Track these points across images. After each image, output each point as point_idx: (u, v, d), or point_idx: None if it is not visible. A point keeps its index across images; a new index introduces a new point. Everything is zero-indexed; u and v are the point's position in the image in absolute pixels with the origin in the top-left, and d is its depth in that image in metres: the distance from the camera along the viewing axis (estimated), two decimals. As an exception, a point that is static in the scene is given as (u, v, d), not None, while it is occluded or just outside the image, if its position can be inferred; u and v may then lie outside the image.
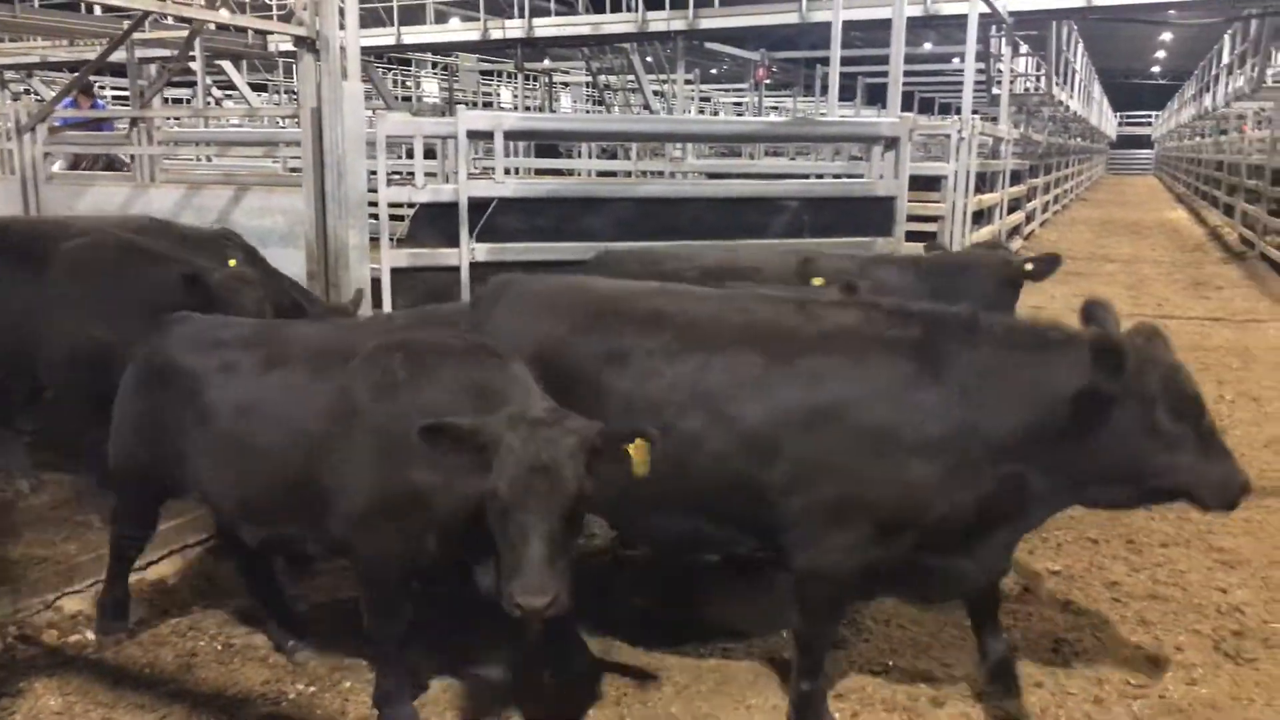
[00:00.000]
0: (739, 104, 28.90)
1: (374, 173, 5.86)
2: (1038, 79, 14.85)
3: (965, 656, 3.43)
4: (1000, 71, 12.54)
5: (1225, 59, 19.03)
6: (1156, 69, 57.93)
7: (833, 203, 6.87)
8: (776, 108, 27.33)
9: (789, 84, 27.03)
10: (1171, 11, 14.88)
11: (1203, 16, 12.78)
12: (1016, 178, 15.01)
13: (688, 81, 17.56)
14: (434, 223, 6.55)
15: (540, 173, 14.76)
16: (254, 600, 3.60)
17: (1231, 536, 4.58)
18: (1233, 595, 4.00)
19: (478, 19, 15.61)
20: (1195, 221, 22.26)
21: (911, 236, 10.02)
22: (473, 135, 6.12)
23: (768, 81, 23.69)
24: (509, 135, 6.32)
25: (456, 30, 16.46)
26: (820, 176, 10.07)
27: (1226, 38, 18.88)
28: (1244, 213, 16.23)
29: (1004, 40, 12.29)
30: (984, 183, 12.58)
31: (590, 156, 15.10)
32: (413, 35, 15.80)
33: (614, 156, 14.81)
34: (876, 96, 27.12)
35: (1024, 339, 2.99)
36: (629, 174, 13.02)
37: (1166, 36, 43.05)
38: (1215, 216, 20.51)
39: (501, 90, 27.67)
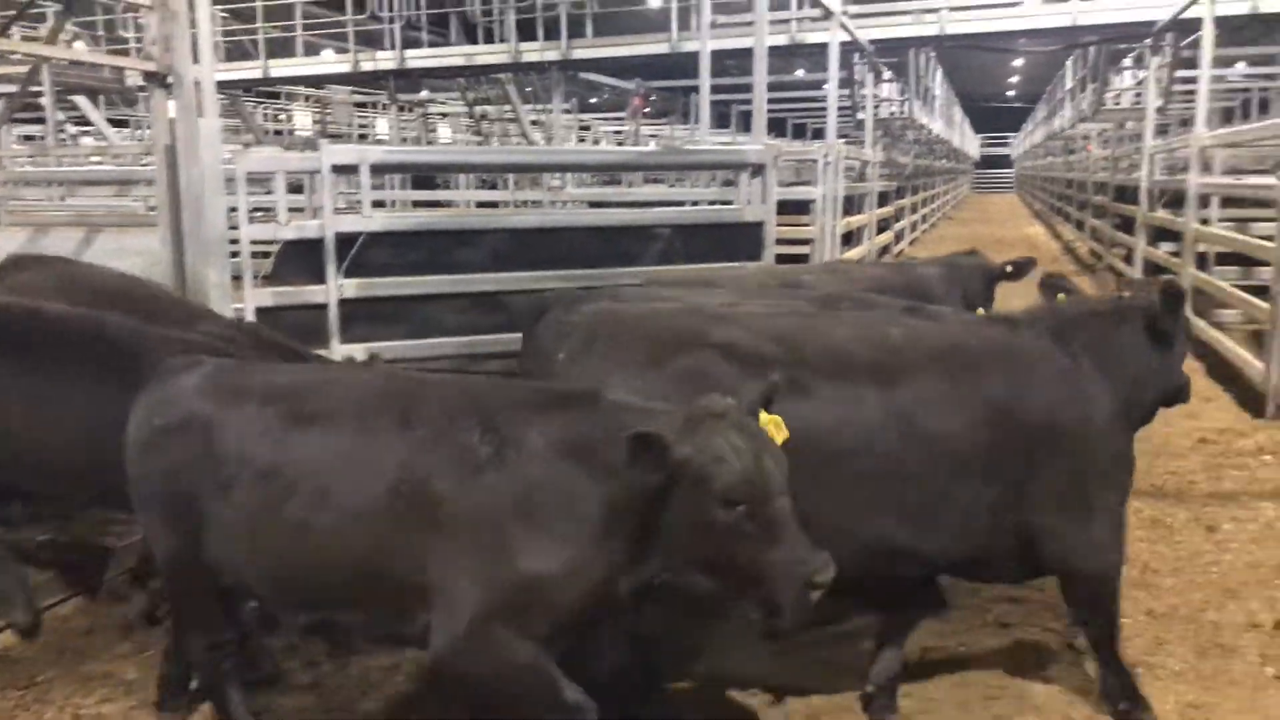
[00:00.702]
0: (620, 132, 29.27)
1: (235, 210, 5.72)
2: (901, 104, 15.57)
3: (845, 674, 3.51)
4: (864, 97, 13.07)
5: (1069, 84, 20.28)
6: (1012, 92, 61.22)
7: (704, 229, 7.01)
8: (656, 135, 27.74)
9: (668, 112, 27.51)
10: (1022, 40, 15.79)
11: (1046, 45, 13.62)
12: (884, 199, 15.57)
13: (566, 111, 17.70)
14: (302, 260, 6.40)
15: (418, 204, 14.60)
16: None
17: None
18: (1085, 593, 4.21)
19: (350, 51, 15.40)
20: (1051, 236, 23.53)
21: (784, 259, 10.31)
22: (338, 169, 6.02)
23: (647, 110, 24.01)
24: (375, 169, 6.24)
25: (326, 63, 16.22)
26: (696, 203, 10.29)
27: (1069, 64, 20.13)
28: (1092, 228, 17.27)
29: (866, 67, 12.81)
30: (853, 205, 13.02)
31: (469, 187, 15.03)
32: (281, 68, 15.47)
33: (494, 186, 14.78)
34: (751, 123, 27.90)
35: (1098, 316, 3.39)
36: (509, 204, 13.04)
37: (1019, 62, 45.59)
38: (1069, 231, 21.74)
39: (378, 121, 27.30)
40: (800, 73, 24.40)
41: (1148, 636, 3.81)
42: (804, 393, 2.95)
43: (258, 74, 15.33)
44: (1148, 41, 11.91)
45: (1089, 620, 3.28)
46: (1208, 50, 8.95)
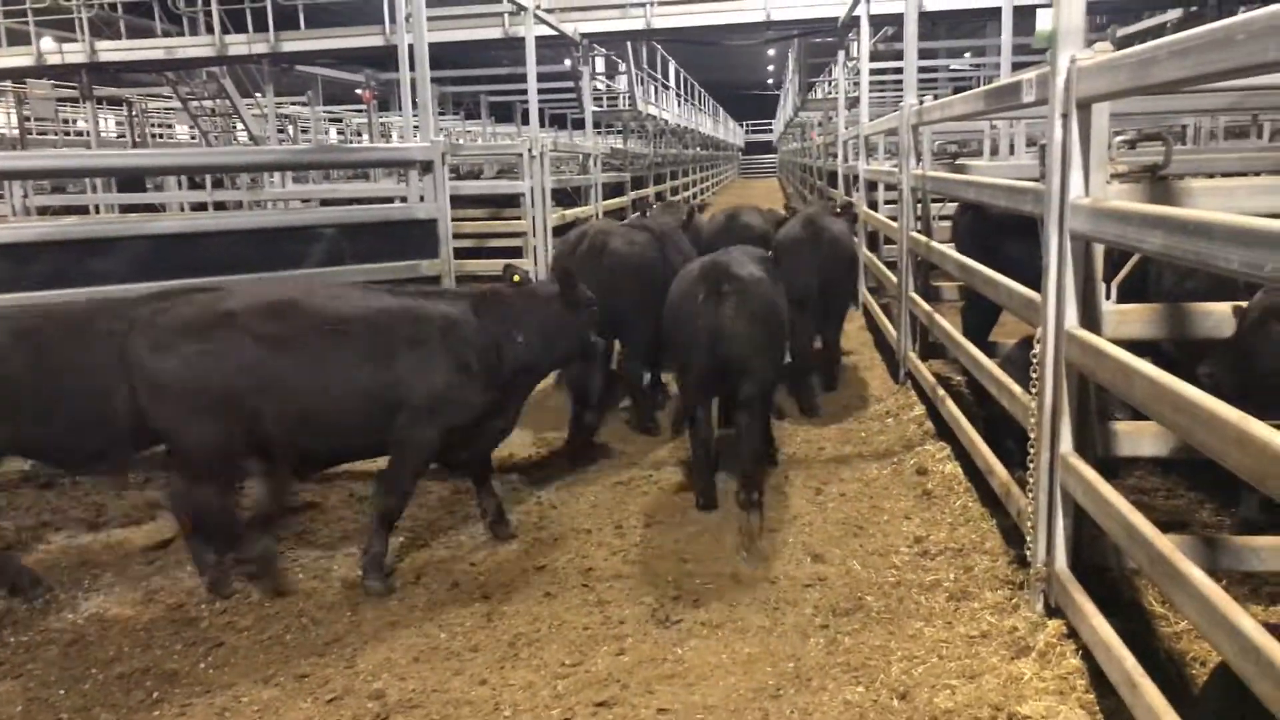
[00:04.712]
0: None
1: None
2: (626, 96, 15.94)
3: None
4: (581, 90, 13.30)
5: (789, 74, 21.48)
6: (770, 81, 64.19)
7: (371, 228, 6.91)
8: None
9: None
10: (773, 35, 16.49)
11: (749, 38, 14.34)
12: (619, 190, 15.93)
13: (298, 104, 16.92)
14: (-96, 277, 5.82)
15: (126, 209, 13.64)
16: None
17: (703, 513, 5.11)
18: (688, 565, 4.46)
19: (33, 42, 14.09)
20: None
21: (501, 252, 10.31)
22: (-67, 179, 5.49)
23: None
24: (-18, 177, 5.75)
25: (2, 55, 14.70)
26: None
27: (790, 56, 21.32)
28: (817, 209, 18.41)
29: (580, 60, 13.04)
30: (581, 196, 13.23)
31: (181, 188, 14.15)
32: (-52, 61, 13.94)
33: (220, 185, 13.98)
34: (501, 113, 27.86)
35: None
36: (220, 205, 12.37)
37: (773, 51, 47.79)
38: (805, 213, 23.10)
39: (109, 118, 25.29)
40: (567, 63, 24.65)
41: (725, 599, 4.09)
42: None
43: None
44: (832, 38, 12.73)
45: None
46: (865, 43, 9.68)
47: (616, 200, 15.33)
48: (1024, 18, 10.70)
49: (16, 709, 3.46)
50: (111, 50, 13.84)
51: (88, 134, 23.13)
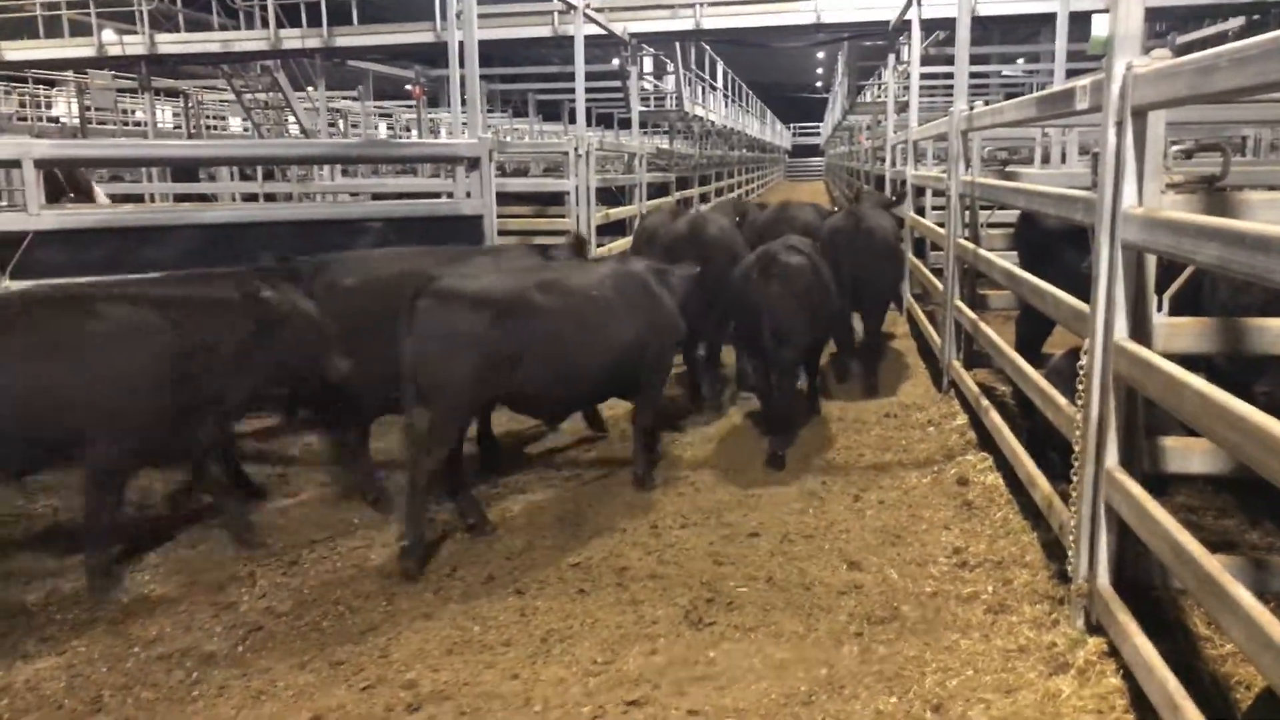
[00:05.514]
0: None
1: None
2: (672, 96, 15.95)
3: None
4: (629, 89, 13.31)
5: (839, 77, 21.34)
6: (819, 84, 63.76)
7: (418, 223, 6.98)
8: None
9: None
10: (824, 37, 16.43)
11: (798, 40, 14.28)
12: (664, 190, 15.92)
13: (352, 99, 17.07)
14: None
15: (180, 198, 13.91)
16: None
17: (742, 512, 5.09)
18: (723, 567, 4.45)
19: (95, 33, 14.42)
20: (837, 222, 24.69)
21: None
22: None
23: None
24: (41, 164, 5.89)
25: (65, 46, 15.08)
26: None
27: (840, 58, 21.18)
28: (862, 214, 18.24)
29: (629, 60, 13.06)
30: (625, 195, 13.24)
31: (233, 179, 14.40)
32: (13, 51, 14.31)
33: (270, 176, 14.22)
34: (548, 111, 28.00)
35: None
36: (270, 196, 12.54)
37: (821, 54, 47.49)
38: (850, 217, 22.92)
39: (166, 109, 25.82)
40: (616, 62, 24.72)
41: (760, 603, 4.06)
42: None
43: (-13, 57, 14.15)
44: (882, 41, 12.62)
45: None
46: (916, 47, 9.58)
47: (661, 200, 15.32)
48: (1079, 24, 10.51)
49: (60, 684, 3.55)
50: (170, 43, 14.13)
51: (145, 124, 23.70)
